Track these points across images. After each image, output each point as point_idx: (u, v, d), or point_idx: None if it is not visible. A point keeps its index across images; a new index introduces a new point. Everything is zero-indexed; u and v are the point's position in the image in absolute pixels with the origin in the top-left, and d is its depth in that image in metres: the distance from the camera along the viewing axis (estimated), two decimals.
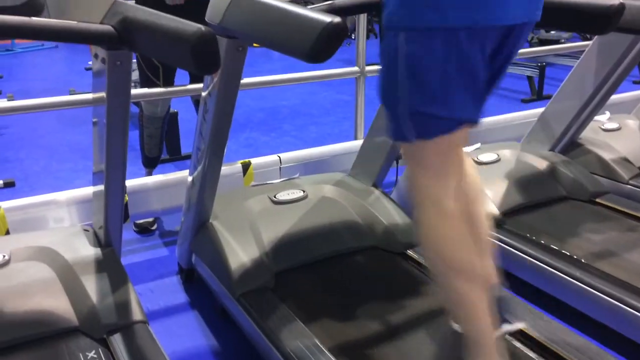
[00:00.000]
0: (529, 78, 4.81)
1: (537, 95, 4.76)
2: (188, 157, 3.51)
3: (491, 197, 2.24)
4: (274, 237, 1.92)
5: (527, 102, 4.65)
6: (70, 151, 3.66)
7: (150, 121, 2.56)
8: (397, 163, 2.70)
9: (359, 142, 2.82)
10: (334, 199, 2.15)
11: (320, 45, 1.03)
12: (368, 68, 2.82)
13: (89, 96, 2.28)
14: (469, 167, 1.40)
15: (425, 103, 1.19)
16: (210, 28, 1.42)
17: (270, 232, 1.94)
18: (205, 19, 1.45)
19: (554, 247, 1.99)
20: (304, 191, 2.15)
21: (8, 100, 4.61)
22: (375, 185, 2.24)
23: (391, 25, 1.15)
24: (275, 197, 2.10)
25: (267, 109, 4.58)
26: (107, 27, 1.14)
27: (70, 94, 4.89)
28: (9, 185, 3.06)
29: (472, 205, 1.37)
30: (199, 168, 1.84)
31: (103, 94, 1.41)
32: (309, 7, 1.38)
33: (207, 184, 1.86)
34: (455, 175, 1.30)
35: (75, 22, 1.17)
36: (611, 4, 1.32)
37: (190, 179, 1.95)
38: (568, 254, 1.95)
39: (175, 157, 3.50)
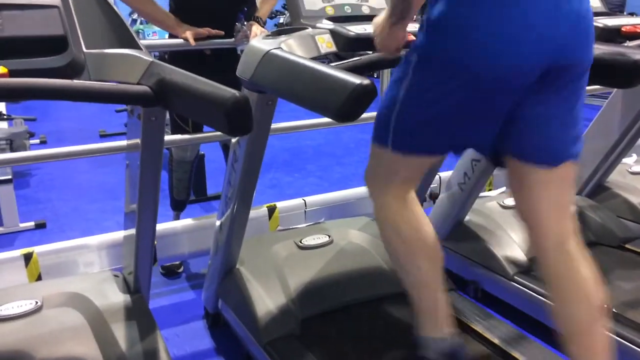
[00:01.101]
0: None
1: None
2: (214, 197, 3.57)
3: (517, 242, 2.22)
4: (300, 283, 1.93)
5: None
6: (98, 192, 3.74)
7: (180, 165, 2.62)
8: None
9: None
10: (360, 244, 2.16)
11: (350, 106, 1.06)
12: None
13: (123, 143, 2.36)
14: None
15: (418, 125, 1.32)
16: (242, 83, 1.48)
17: (297, 278, 1.95)
18: (237, 73, 1.50)
19: None
20: (329, 236, 2.17)
21: (41, 142, 4.77)
22: None
23: (412, 47, 1.28)
24: (301, 242, 2.12)
25: (292, 149, 4.63)
26: (144, 89, 1.19)
27: (101, 135, 5.03)
28: (40, 226, 3.13)
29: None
30: (227, 214, 1.87)
31: (137, 142, 1.45)
32: (339, 63, 1.43)
33: (234, 230, 1.89)
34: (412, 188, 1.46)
35: (115, 83, 1.22)
36: (636, 59, 1.33)
37: (218, 223, 1.98)
38: None
39: (201, 198, 3.55)
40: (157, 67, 1.24)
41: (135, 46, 1.38)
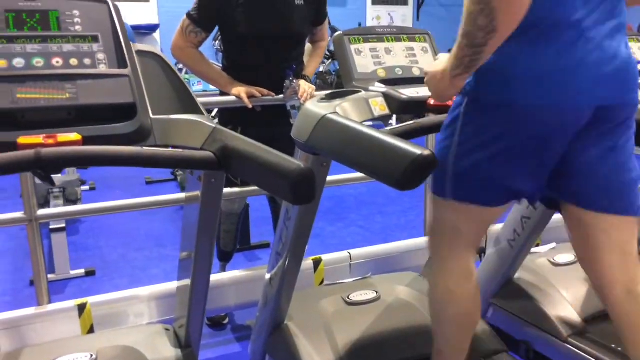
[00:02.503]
0: None
1: None
2: (257, 247, 3.61)
3: (570, 301, 2.17)
4: (348, 341, 1.92)
5: None
6: (145, 239, 3.82)
7: (228, 218, 2.67)
8: None
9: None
10: (408, 301, 2.14)
11: (411, 176, 1.08)
12: None
13: (175, 197, 2.43)
14: None
15: (472, 171, 1.31)
16: (298, 146, 1.52)
17: (345, 335, 1.94)
18: (292, 135, 1.55)
19: None
20: (376, 292, 2.16)
21: (90, 189, 4.92)
22: None
23: (462, 91, 1.30)
24: (348, 297, 2.11)
25: (334, 198, 4.66)
26: (208, 154, 1.24)
27: (147, 182, 5.17)
28: (90, 273, 3.21)
29: None
30: (278, 269, 1.88)
31: (196, 195, 1.49)
32: (393, 127, 1.46)
33: (284, 285, 1.90)
34: (476, 243, 1.44)
35: (181, 150, 1.27)
36: None
37: (267, 276, 1.99)
38: None
39: (245, 247, 3.58)
40: (220, 133, 1.29)
41: (198, 111, 1.44)
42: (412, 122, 1.47)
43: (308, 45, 2.68)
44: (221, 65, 2.65)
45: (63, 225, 3.12)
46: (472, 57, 1.17)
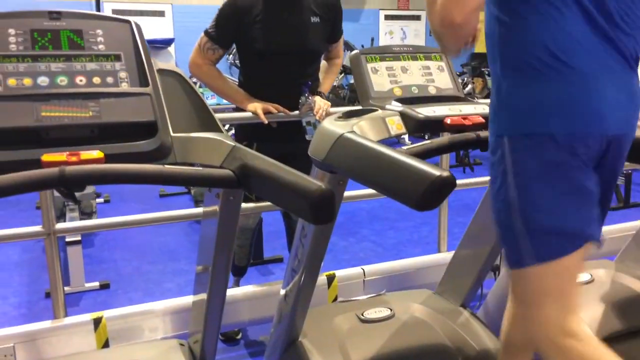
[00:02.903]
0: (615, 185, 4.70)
1: (624, 203, 4.61)
2: (270, 261, 3.61)
3: (588, 321, 2.14)
4: (362, 359, 1.91)
5: (614, 210, 4.50)
6: (158, 252, 3.84)
7: (242, 232, 2.68)
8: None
9: (442, 255, 2.82)
10: (422, 319, 2.13)
11: (430, 197, 1.08)
12: None
13: (190, 212, 2.45)
14: None
15: (541, 216, 1.19)
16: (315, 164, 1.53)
17: (359, 353, 1.93)
18: (309, 153, 1.56)
19: None
20: (391, 309, 2.15)
21: (105, 202, 4.96)
22: (463, 306, 2.20)
23: (499, 133, 1.24)
24: (362, 315, 2.11)
25: (346, 212, 4.66)
26: (227, 173, 1.25)
27: (160, 195, 5.21)
28: (104, 287, 3.23)
29: None
30: (293, 285, 1.89)
31: (214, 210, 1.49)
32: (411, 147, 1.46)
33: (299, 301, 1.90)
34: (577, 301, 1.27)
35: (200, 168, 1.29)
36: None
37: (282, 292, 1.99)
38: None
39: (258, 261, 3.59)
40: (239, 152, 1.31)
41: (217, 129, 1.46)
42: (428, 141, 1.48)
43: (323, 63, 2.71)
44: (236, 79, 2.68)
45: (79, 238, 3.15)
46: None
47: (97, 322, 2.15)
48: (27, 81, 1.33)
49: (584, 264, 1.28)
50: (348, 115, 1.61)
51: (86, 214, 4.02)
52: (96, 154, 1.24)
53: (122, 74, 1.41)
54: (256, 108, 2.34)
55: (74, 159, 1.21)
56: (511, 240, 1.24)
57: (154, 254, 3.81)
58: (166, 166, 1.22)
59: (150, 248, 3.93)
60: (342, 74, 8.07)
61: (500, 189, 1.25)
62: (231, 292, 2.45)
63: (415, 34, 9.89)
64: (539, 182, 1.20)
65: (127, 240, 4.07)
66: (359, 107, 1.74)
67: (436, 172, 1.08)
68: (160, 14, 8.18)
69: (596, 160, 1.24)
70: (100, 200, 4.89)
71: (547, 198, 1.20)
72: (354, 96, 8.05)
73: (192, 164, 1.40)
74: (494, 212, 1.28)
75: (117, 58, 1.43)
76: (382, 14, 9.64)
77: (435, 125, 1.58)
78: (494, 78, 1.29)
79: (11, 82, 1.31)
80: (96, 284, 3.23)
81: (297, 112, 2.43)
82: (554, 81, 1.18)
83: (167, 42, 7.99)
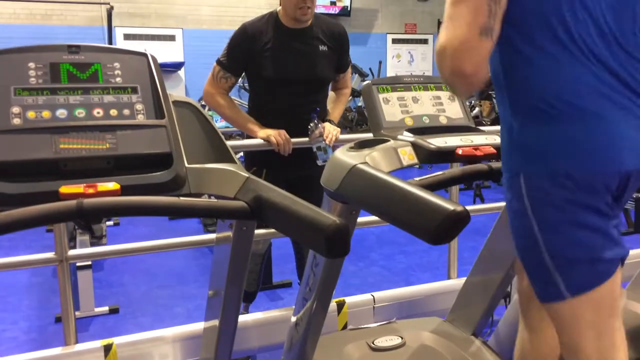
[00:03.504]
0: (625, 210, 4.68)
1: (635, 228, 4.59)
2: (279, 286, 3.60)
3: None
4: None
5: (624, 235, 4.47)
6: (167, 276, 3.84)
7: (252, 257, 2.66)
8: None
9: (452, 282, 2.81)
10: (433, 347, 2.12)
11: (443, 231, 1.09)
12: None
13: (207, 237, 2.46)
14: None
15: (570, 249, 1.18)
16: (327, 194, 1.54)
17: None
18: (321, 182, 1.57)
19: None
20: (401, 337, 2.14)
21: (114, 225, 4.98)
22: (474, 334, 2.19)
23: (515, 172, 1.24)
24: (373, 343, 2.10)
25: (355, 237, 4.58)
26: (242, 204, 1.27)
27: (170, 218, 5.22)
28: (114, 311, 3.23)
29: None
30: (304, 315, 1.88)
31: (228, 237, 1.50)
32: (423, 178, 1.47)
33: (310, 331, 1.90)
34: (621, 331, 1.25)
35: (214, 200, 1.30)
36: None
37: (293, 319, 1.99)
38: None
39: (267, 285, 3.58)
40: (253, 183, 1.32)
41: (231, 160, 1.48)
42: (440, 172, 1.49)
43: (331, 93, 2.74)
44: (246, 103, 2.70)
45: (89, 263, 3.16)
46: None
47: (107, 348, 2.15)
48: (46, 114, 1.36)
49: (620, 291, 1.25)
50: (360, 146, 1.62)
51: (96, 238, 4.04)
52: (112, 185, 1.26)
53: (139, 106, 1.44)
54: (269, 135, 2.36)
55: (91, 190, 1.23)
56: (540, 275, 1.24)
57: (163, 277, 3.81)
58: (181, 198, 1.23)
59: (159, 271, 3.93)
60: (351, 98, 8.13)
61: (521, 227, 1.24)
62: (241, 318, 2.44)
63: (423, 57, 9.96)
64: (561, 218, 1.20)
65: (136, 264, 4.08)
66: (371, 137, 1.76)
67: (450, 206, 1.09)
68: (171, 38, 8.29)
69: (617, 193, 1.23)
70: (110, 223, 4.91)
71: (571, 232, 1.20)
72: (362, 119, 8.11)
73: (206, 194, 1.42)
74: (518, 250, 1.28)
75: (134, 90, 1.45)
76: (389, 37, 9.73)
77: (446, 156, 1.59)
78: (503, 116, 1.28)
79: (31, 114, 1.34)
80: (105, 308, 3.23)
81: (307, 138, 2.45)
82: (568, 123, 1.18)
83: (177, 66, 8.10)
